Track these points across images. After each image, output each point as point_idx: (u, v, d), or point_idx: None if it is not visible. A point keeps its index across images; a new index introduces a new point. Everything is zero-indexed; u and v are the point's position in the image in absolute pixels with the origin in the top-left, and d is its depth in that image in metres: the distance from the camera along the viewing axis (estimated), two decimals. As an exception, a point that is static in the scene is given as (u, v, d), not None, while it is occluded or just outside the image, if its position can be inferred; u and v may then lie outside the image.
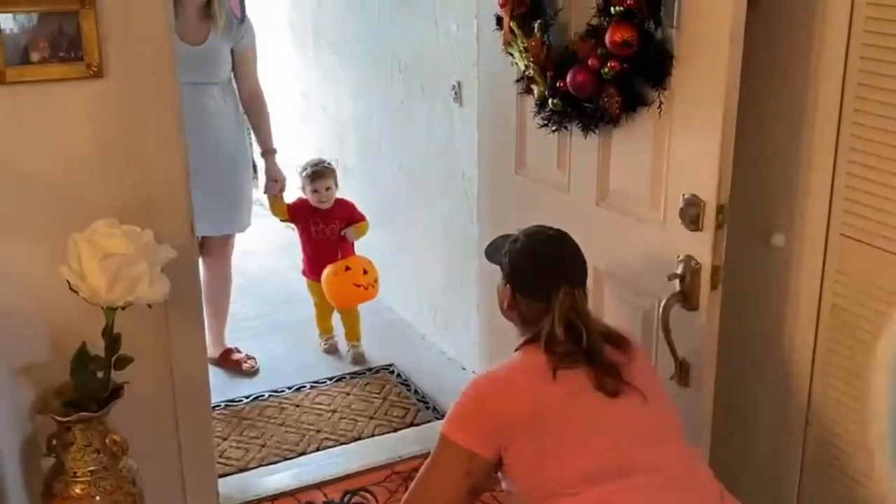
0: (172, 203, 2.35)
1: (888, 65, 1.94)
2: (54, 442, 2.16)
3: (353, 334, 3.95)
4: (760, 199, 2.26)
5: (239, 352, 3.82)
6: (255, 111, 3.62)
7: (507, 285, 2.00)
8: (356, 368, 3.83)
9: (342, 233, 3.82)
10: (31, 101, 2.20)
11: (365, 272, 3.79)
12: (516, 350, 1.98)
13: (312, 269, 3.91)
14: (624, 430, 1.83)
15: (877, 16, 1.95)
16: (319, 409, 3.50)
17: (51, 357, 2.21)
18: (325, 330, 4.01)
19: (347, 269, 3.78)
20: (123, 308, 2.12)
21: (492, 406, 1.86)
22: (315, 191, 3.79)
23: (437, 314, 4.01)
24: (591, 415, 1.84)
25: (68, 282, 2.08)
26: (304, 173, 3.82)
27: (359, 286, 3.78)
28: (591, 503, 1.75)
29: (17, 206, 2.22)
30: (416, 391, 3.63)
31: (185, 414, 2.52)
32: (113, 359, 2.16)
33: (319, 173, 3.81)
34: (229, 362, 3.77)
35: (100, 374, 2.17)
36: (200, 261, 3.40)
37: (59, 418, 2.12)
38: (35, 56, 2.19)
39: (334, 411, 3.48)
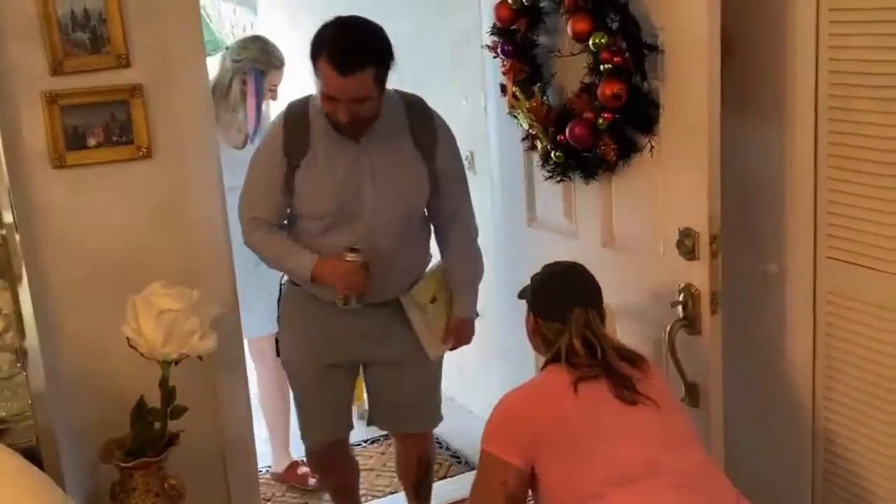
0: (217, 267, 2.59)
1: (855, 100, 2.16)
2: (118, 489, 2.35)
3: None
4: (752, 231, 2.46)
5: (304, 465, 3.48)
6: None
7: (530, 313, 2.23)
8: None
9: None
10: (89, 182, 2.46)
11: None
12: (541, 370, 2.18)
13: None
14: (646, 436, 2.00)
15: (839, 57, 2.18)
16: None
17: (113, 411, 2.40)
18: (356, 397, 4.11)
19: None
20: (177, 362, 2.34)
21: (520, 419, 2.05)
22: None
23: (463, 374, 4.17)
24: (614, 423, 2.01)
25: (128, 339, 2.31)
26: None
27: None
28: (620, 501, 1.89)
29: (81, 276, 2.46)
30: (447, 447, 3.78)
31: (232, 465, 2.71)
32: (169, 409, 2.37)
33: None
34: (295, 477, 3.56)
35: (157, 425, 2.37)
36: (254, 367, 3.47)
37: (122, 464, 2.31)
38: (91, 141, 2.47)
39: (371, 469, 3.62)
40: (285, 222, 2.55)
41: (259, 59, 3.33)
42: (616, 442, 1.99)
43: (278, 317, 2.68)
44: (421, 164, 2.47)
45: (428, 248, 2.66)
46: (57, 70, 2.41)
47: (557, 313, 2.14)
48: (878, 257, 2.18)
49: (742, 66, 2.38)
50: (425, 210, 2.59)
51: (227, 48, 3.46)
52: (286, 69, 3.46)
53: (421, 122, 2.49)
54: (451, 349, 2.73)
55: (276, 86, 3.42)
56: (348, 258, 2.38)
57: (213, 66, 3.31)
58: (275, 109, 3.62)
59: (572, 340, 2.09)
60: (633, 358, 2.13)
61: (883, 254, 2.16)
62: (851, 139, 2.19)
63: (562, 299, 2.15)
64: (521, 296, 2.32)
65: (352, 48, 2.24)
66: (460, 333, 2.72)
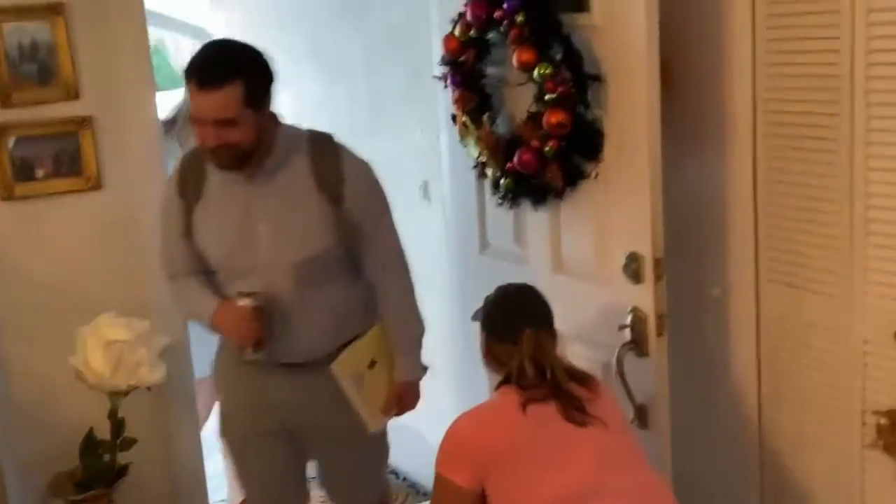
0: (165, 297, 2.58)
1: (791, 126, 2.23)
2: (68, 523, 2.33)
3: None
4: (696, 255, 2.52)
5: None
6: None
7: (483, 333, 2.25)
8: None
9: None
10: (38, 213, 2.47)
11: None
12: (493, 391, 2.20)
13: None
14: (593, 457, 2.02)
15: (775, 85, 2.25)
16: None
17: (62, 444, 2.38)
18: None
19: None
20: (126, 393, 2.33)
21: (469, 442, 2.07)
22: None
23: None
24: (561, 444, 2.03)
25: (77, 371, 2.29)
26: None
27: None
28: None
29: (28, 308, 2.46)
30: (404, 478, 3.78)
31: (183, 498, 2.69)
32: (118, 441, 2.35)
33: None
34: None
35: (106, 457, 2.36)
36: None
37: (71, 498, 2.29)
38: (40, 172, 2.47)
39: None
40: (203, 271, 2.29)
41: None
42: (563, 463, 2.01)
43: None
44: (326, 206, 2.20)
45: (362, 300, 2.36)
46: (5, 102, 2.42)
47: (509, 334, 2.16)
48: (816, 279, 2.24)
49: (682, 95, 2.44)
50: (355, 258, 2.31)
51: None
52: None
53: (325, 160, 2.23)
54: (396, 415, 2.47)
55: None
56: (239, 303, 2.16)
57: (179, 97, 3.32)
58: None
59: (522, 362, 2.11)
60: (583, 378, 2.16)
61: (820, 276, 2.22)
62: (788, 164, 2.26)
63: (513, 321, 2.17)
64: (474, 318, 2.34)
65: (212, 62, 2.07)
66: (403, 399, 2.46)
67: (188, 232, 2.21)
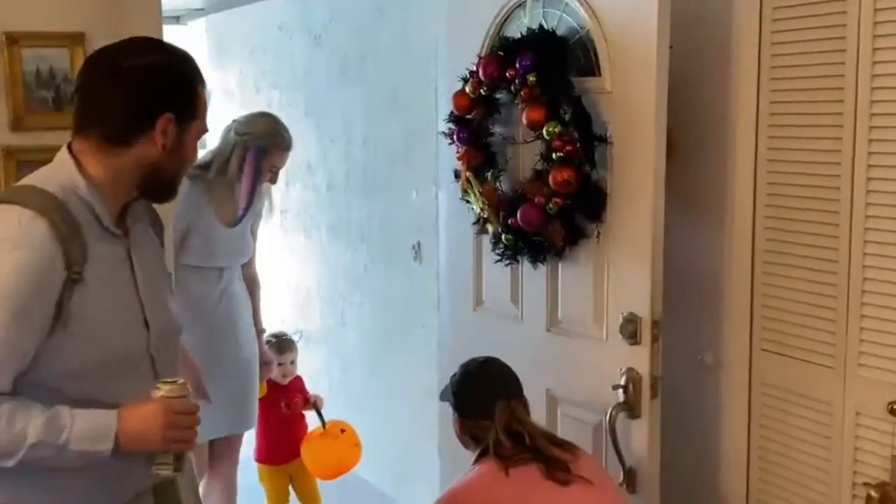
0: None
1: (790, 198, 2.29)
2: None
3: None
4: (691, 322, 2.55)
5: None
6: (253, 294, 3.41)
7: (455, 413, 2.25)
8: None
9: (314, 400, 3.65)
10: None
11: (343, 431, 3.57)
12: (472, 465, 2.19)
13: (274, 452, 3.61)
14: (582, 513, 2.00)
15: (777, 158, 2.32)
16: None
17: None
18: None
19: (343, 430, 3.54)
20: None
21: None
22: (280, 364, 3.60)
23: (400, 471, 4.12)
24: (545, 502, 2.01)
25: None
26: (267, 346, 3.55)
27: (357, 445, 3.57)
28: None
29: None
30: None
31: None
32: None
33: (286, 345, 3.65)
34: None
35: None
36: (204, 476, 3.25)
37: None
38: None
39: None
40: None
41: (264, 136, 3.17)
42: None
43: None
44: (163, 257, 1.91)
45: None
46: (17, 126, 2.43)
47: (481, 410, 2.15)
48: (810, 349, 2.27)
49: (684, 162, 2.51)
50: None
51: (234, 120, 3.28)
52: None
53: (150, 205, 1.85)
54: None
55: (277, 168, 3.24)
56: (164, 392, 1.61)
57: (217, 137, 3.21)
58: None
59: (498, 434, 2.10)
60: (562, 443, 2.16)
61: (814, 346, 2.26)
62: (786, 235, 2.31)
63: (483, 395, 2.17)
64: (442, 398, 2.33)
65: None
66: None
67: (63, 322, 1.56)
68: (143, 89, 1.65)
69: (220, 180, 3.16)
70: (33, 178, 1.67)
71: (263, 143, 3.16)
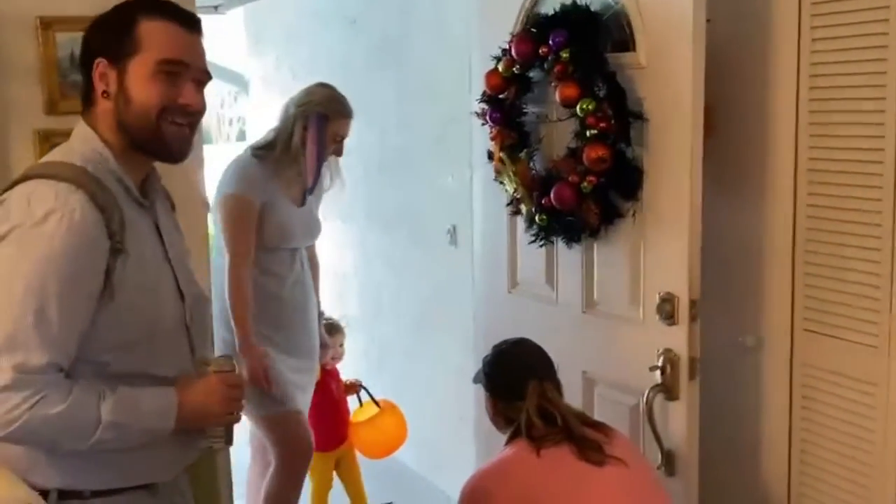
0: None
1: (833, 174, 2.23)
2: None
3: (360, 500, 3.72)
4: (730, 302, 2.49)
5: None
6: (315, 275, 3.37)
7: (488, 395, 2.23)
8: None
9: (359, 382, 3.64)
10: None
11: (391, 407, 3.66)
12: (504, 446, 2.16)
13: (325, 438, 3.44)
14: (614, 493, 1.97)
15: (819, 133, 2.26)
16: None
17: None
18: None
19: (391, 407, 3.62)
20: None
21: (487, 494, 2.03)
22: (331, 347, 3.53)
23: (437, 455, 4.12)
24: (578, 482, 1.98)
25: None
26: None
27: (404, 422, 3.62)
28: None
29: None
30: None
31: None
32: None
33: (336, 328, 3.61)
34: None
35: None
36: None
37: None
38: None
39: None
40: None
41: (322, 104, 3.05)
42: (586, 501, 1.97)
43: None
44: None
45: None
46: (52, 109, 2.44)
47: (513, 391, 2.14)
48: (854, 329, 2.21)
49: (724, 140, 2.45)
50: None
51: (291, 97, 3.15)
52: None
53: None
54: None
55: (341, 137, 3.10)
56: (217, 367, 1.68)
57: (274, 118, 3.12)
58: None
59: (531, 417, 2.08)
60: (595, 424, 2.14)
61: (858, 325, 2.19)
62: (828, 213, 2.25)
63: (516, 377, 2.16)
64: (475, 380, 2.32)
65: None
66: None
67: (109, 293, 1.54)
68: (82, 45, 1.64)
69: (285, 158, 3.04)
70: (58, 153, 1.66)
71: (323, 110, 3.04)
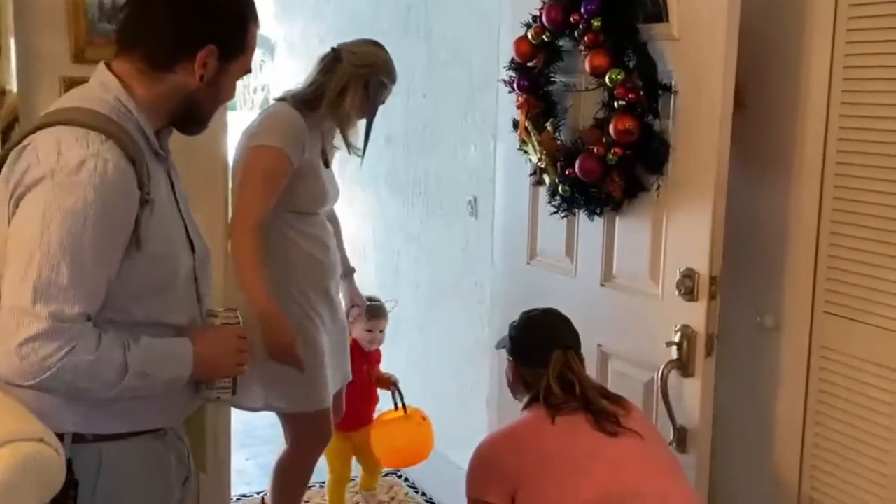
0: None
1: (863, 155, 2.19)
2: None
3: (373, 480, 3.64)
4: (750, 282, 2.47)
5: None
6: (338, 233, 3.15)
7: (510, 360, 2.24)
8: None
9: (395, 381, 3.46)
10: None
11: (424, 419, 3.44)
12: (521, 411, 2.17)
13: (346, 417, 3.24)
14: (627, 462, 1.98)
15: (851, 113, 2.22)
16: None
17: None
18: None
19: (423, 419, 3.39)
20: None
21: (498, 457, 2.05)
22: (369, 330, 3.41)
23: (449, 426, 4.11)
24: (592, 450, 1.99)
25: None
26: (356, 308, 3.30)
27: (431, 437, 3.40)
28: None
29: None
30: (423, 493, 3.70)
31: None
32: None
33: (379, 311, 3.43)
34: None
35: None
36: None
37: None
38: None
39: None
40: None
41: (383, 70, 2.83)
42: (598, 469, 1.97)
43: None
44: None
45: None
46: (79, 58, 2.44)
47: (539, 359, 2.15)
48: (876, 313, 2.18)
49: (752, 117, 2.41)
50: None
51: (340, 49, 2.86)
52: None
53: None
54: None
55: (382, 103, 2.92)
56: (224, 318, 1.74)
57: (308, 68, 2.90)
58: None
59: (551, 383, 2.09)
60: (613, 397, 2.15)
61: (880, 309, 2.17)
62: (857, 194, 2.21)
63: (542, 344, 2.17)
64: (499, 346, 2.32)
65: None
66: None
67: (136, 243, 1.56)
68: (191, 16, 1.62)
69: (329, 116, 2.78)
70: (79, 100, 1.63)
71: (385, 78, 2.83)
